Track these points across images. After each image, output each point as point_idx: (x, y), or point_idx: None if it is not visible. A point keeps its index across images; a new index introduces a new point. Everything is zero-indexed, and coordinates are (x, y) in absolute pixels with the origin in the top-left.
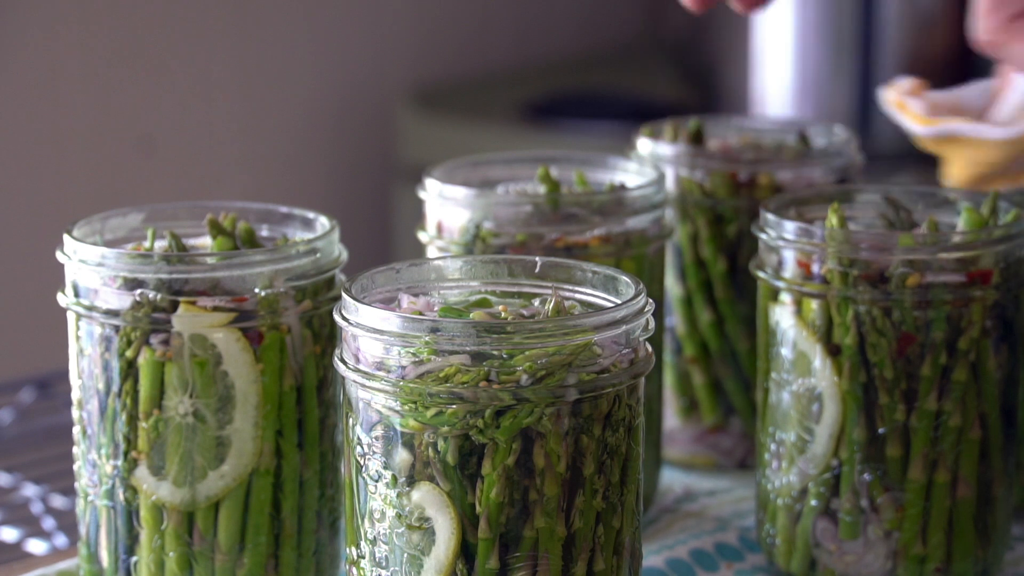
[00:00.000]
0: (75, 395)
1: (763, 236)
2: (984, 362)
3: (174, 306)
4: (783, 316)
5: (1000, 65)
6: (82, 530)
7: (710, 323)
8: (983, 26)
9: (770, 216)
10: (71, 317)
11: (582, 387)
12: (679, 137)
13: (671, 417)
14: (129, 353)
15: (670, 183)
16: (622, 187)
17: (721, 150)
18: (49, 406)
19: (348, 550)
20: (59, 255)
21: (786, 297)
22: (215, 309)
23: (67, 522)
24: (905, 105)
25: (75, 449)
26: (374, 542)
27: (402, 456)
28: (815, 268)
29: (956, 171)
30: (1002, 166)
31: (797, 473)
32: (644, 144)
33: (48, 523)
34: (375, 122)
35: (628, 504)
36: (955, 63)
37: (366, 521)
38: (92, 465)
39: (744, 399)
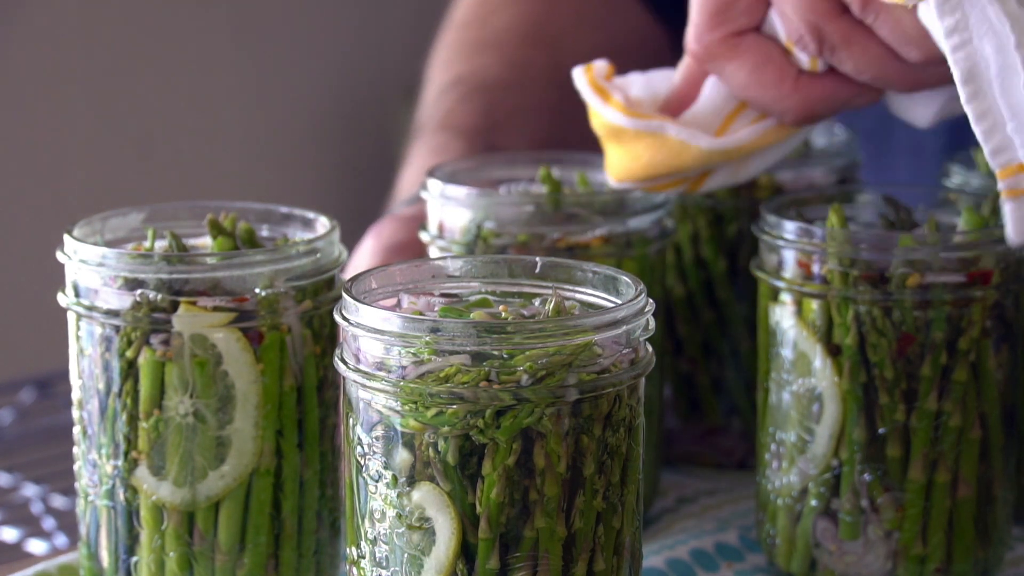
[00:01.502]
0: (75, 395)
1: (763, 236)
2: (984, 362)
3: (174, 306)
4: (783, 316)
5: (684, 63)
6: (82, 530)
7: (711, 323)
8: (699, 39)
9: (770, 216)
10: (71, 317)
11: (582, 387)
12: None
13: (671, 417)
14: (129, 353)
15: None
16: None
17: None
18: (49, 406)
19: (348, 550)
20: (59, 255)
21: (786, 297)
22: (215, 309)
23: (67, 522)
24: (607, 92)
25: (75, 449)
26: (374, 542)
27: (402, 456)
28: (815, 268)
29: (631, 166)
30: (687, 171)
31: (797, 473)
32: None
33: (48, 523)
34: (375, 122)
35: (628, 504)
36: None
37: (366, 521)
38: (92, 465)
39: (745, 399)
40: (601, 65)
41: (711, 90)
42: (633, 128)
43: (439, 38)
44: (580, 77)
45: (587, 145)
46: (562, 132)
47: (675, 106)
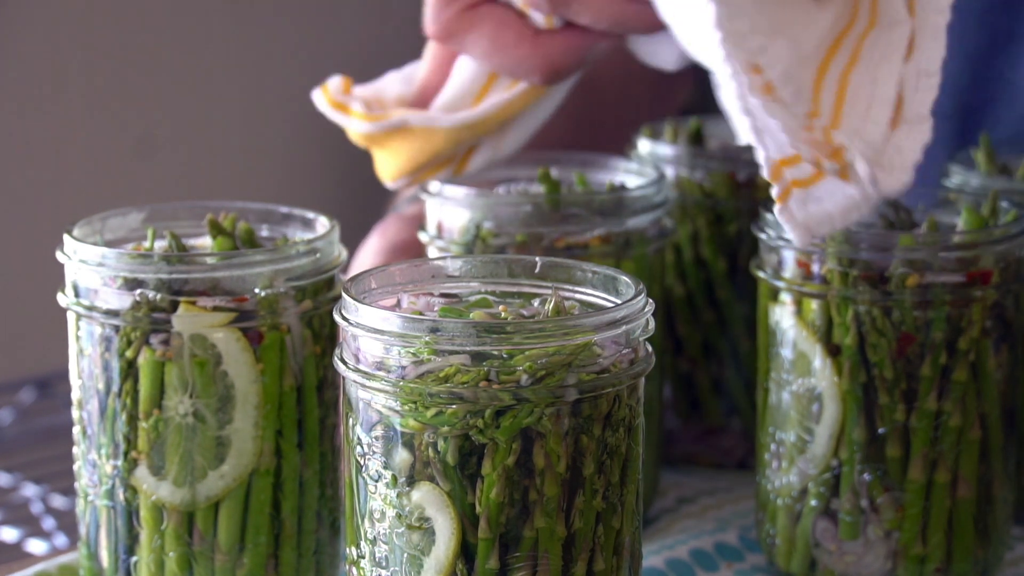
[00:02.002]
0: (75, 395)
1: (763, 236)
2: (984, 362)
3: (174, 306)
4: (783, 316)
5: (429, 50)
6: (82, 530)
7: (711, 323)
8: (436, 18)
9: (770, 216)
10: (71, 317)
11: (582, 387)
12: (679, 137)
13: (671, 417)
14: (129, 353)
15: (670, 183)
16: (622, 187)
17: (721, 150)
18: (49, 406)
19: (348, 550)
20: (59, 255)
21: (786, 297)
22: (215, 309)
23: (67, 522)
24: (346, 106)
25: (75, 449)
26: (374, 542)
27: (402, 456)
28: (815, 268)
29: (395, 164)
30: (447, 153)
31: (797, 473)
32: (644, 144)
33: (48, 523)
34: None
35: (628, 504)
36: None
37: (366, 521)
38: (92, 465)
39: (745, 399)
40: (335, 81)
41: (460, 70)
42: (379, 130)
43: None
44: (319, 100)
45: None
46: (579, 139)
47: (427, 94)
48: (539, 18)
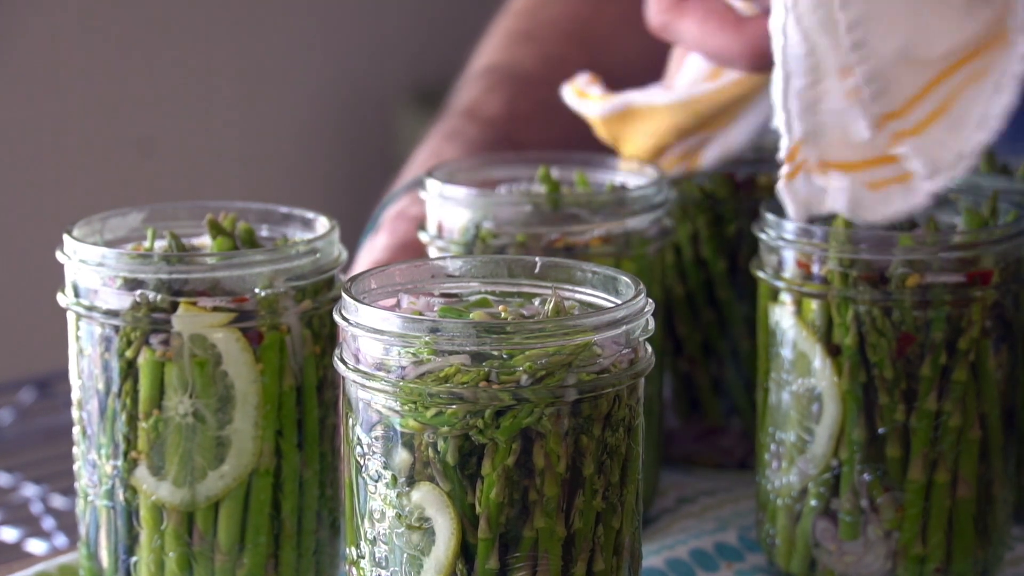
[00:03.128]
0: (75, 395)
1: (763, 236)
2: (984, 362)
3: (174, 306)
4: (783, 316)
5: (674, 50)
6: (82, 530)
7: (711, 323)
8: (652, 11)
9: (770, 216)
10: (71, 317)
11: (582, 387)
12: None
13: (671, 417)
14: (129, 353)
15: (670, 183)
16: (623, 187)
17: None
18: (49, 406)
19: (348, 550)
20: (59, 255)
21: (786, 297)
22: (215, 309)
23: (67, 522)
24: (585, 92)
25: (75, 449)
26: (374, 542)
27: (402, 456)
28: (815, 268)
29: (631, 148)
30: (675, 134)
31: (797, 473)
32: None
33: (48, 523)
34: (375, 122)
35: (628, 504)
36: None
37: (366, 521)
38: (92, 465)
39: (745, 399)
40: (583, 76)
41: (690, 63)
42: (609, 112)
43: (494, 23)
44: (567, 92)
45: (610, 150)
46: (588, 135)
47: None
48: (741, 5)
